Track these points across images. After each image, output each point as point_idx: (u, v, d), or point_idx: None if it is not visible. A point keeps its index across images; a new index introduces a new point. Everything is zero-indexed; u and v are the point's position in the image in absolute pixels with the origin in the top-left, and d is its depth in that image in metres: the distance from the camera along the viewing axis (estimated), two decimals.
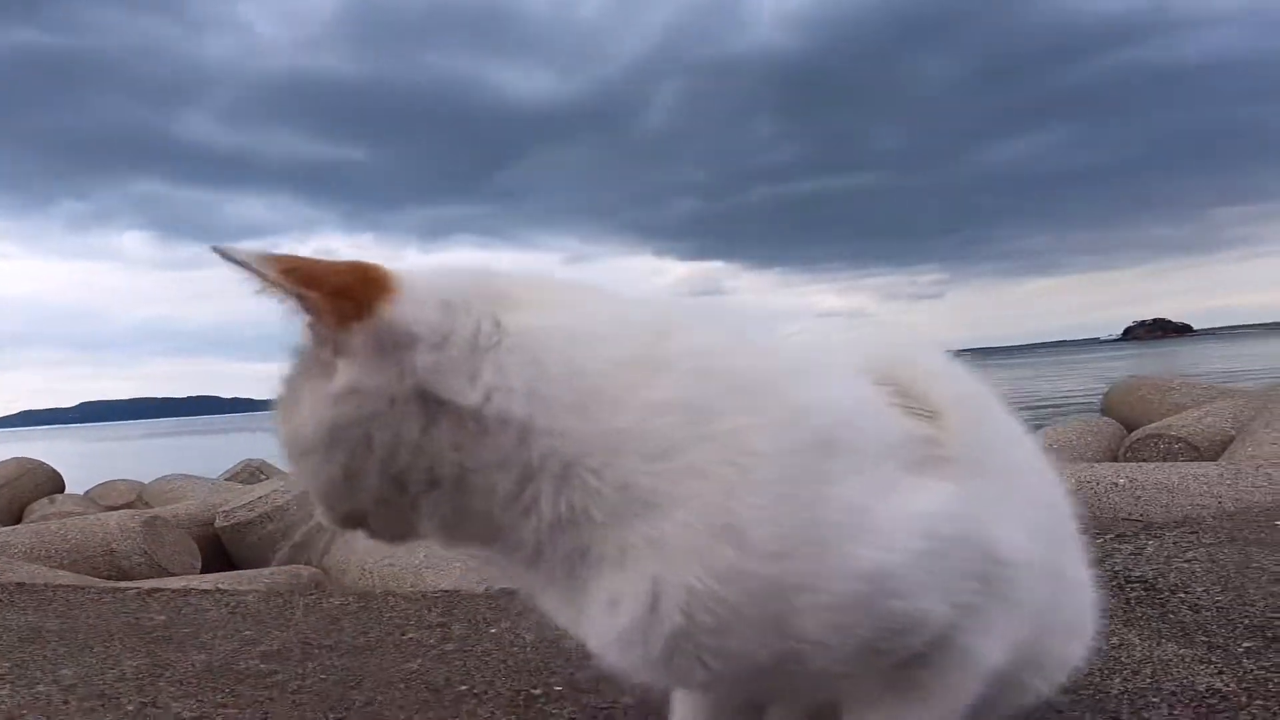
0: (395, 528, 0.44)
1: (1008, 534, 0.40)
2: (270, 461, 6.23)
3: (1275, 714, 0.54)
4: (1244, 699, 0.56)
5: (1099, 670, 0.58)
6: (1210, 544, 1.06)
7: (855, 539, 0.36)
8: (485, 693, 0.75)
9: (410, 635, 0.97)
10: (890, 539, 0.36)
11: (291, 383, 0.41)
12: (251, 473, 5.97)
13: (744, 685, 0.42)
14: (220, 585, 2.26)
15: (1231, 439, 3.28)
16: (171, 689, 0.80)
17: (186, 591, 1.31)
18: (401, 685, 0.79)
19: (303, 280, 0.37)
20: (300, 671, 0.85)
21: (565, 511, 0.38)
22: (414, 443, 0.38)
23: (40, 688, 0.82)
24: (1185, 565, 0.96)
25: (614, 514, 0.37)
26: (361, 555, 3.19)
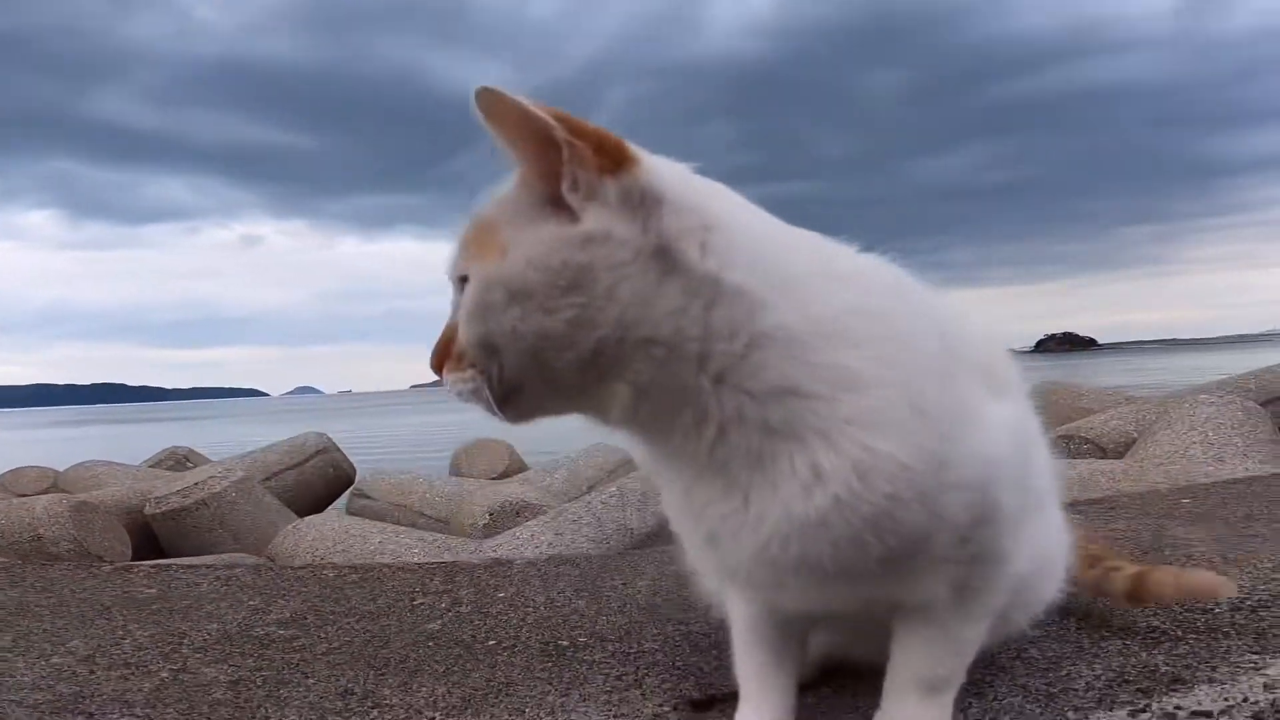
0: (553, 399, 0.45)
1: (1038, 458, 0.50)
2: (197, 450, 5.94)
3: (1208, 642, 0.67)
4: (1178, 633, 0.69)
5: (1059, 608, 0.69)
6: (1128, 518, 1.21)
7: (978, 431, 0.44)
8: (514, 646, 0.80)
9: (420, 601, 1.01)
10: (995, 435, 0.45)
11: (495, 226, 0.44)
12: (178, 460, 5.70)
13: (860, 582, 0.47)
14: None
15: (1134, 440, 3.62)
16: (197, 656, 0.81)
17: (166, 567, 1.29)
18: (430, 643, 0.83)
19: (572, 129, 0.41)
20: (323, 635, 0.88)
21: (779, 382, 0.42)
22: (646, 299, 0.41)
23: (55, 659, 0.81)
24: (1110, 533, 1.11)
25: (827, 388, 0.42)
26: (312, 543, 3.13)
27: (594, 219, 0.42)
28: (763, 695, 0.54)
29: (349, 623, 0.93)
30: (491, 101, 0.42)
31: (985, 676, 0.61)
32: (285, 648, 0.84)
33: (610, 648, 0.78)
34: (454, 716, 0.64)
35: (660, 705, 0.63)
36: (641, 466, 0.56)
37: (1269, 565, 0.86)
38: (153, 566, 1.30)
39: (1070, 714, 0.56)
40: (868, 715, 0.56)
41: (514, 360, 0.43)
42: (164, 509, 3.76)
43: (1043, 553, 0.58)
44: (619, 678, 0.70)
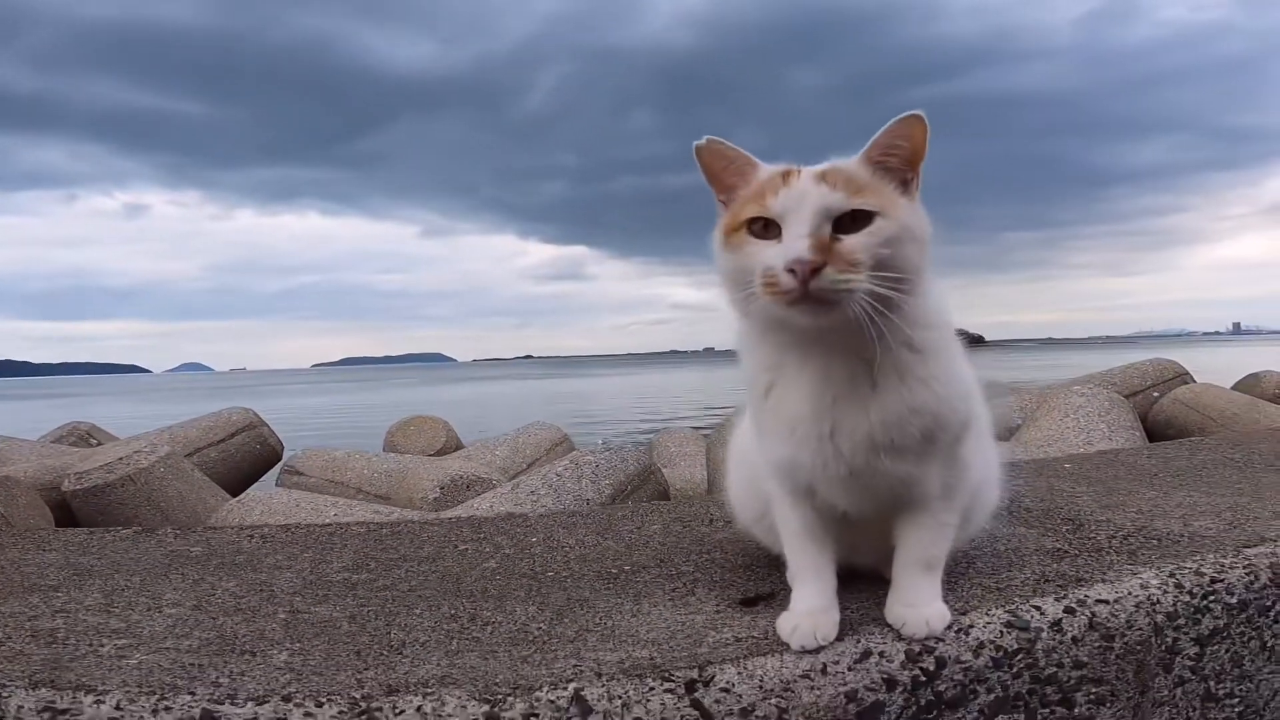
0: (867, 308, 0.63)
1: (980, 401, 0.77)
2: (100, 425, 5.59)
3: (1099, 559, 0.93)
4: (1074, 552, 0.95)
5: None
6: (1025, 478, 1.51)
7: (968, 381, 0.76)
8: (572, 576, 0.98)
9: (464, 548, 1.15)
10: (971, 383, 0.76)
11: (878, 188, 0.66)
12: (81, 436, 5.35)
13: (906, 459, 0.70)
14: None
15: (1019, 427, 4.14)
16: (298, 599, 0.92)
17: (191, 528, 1.36)
18: (498, 578, 0.99)
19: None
20: (399, 577, 1.01)
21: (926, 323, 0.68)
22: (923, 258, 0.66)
23: (168, 610, 0.88)
24: (1012, 488, 1.40)
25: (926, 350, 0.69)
26: (260, 518, 3.12)
27: (916, 196, 0.67)
28: (816, 579, 0.74)
29: (413, 566, 1.06)
30: (909, 127, 0.66)
31: (951, 580, 0.85)
32: (371, 588, 0.97)
33: (654, 571, 0.97)
34: (555, 625, 0.81)
35: (717, 606, 0.83)
36: (758, 379, 0.74)
37: (1134, 511, 1.16)
38: (177, 529, 1.36)
39: (1017, 599, 0.79)
40: (876, 595, 0.78)
41: (895, 279, 0.63)
42: (86, 485, 3.59)
43: (986, 467, 0.84)
44: (674, 590, 0.89)
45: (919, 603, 0.73)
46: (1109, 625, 0.80)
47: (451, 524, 1.30)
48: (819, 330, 0.65)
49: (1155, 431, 4.18)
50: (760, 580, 0.91)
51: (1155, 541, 0.99)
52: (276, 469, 4.82)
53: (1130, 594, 0.83)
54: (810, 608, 0.72)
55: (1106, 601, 0.81)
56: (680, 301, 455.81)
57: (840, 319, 0.63)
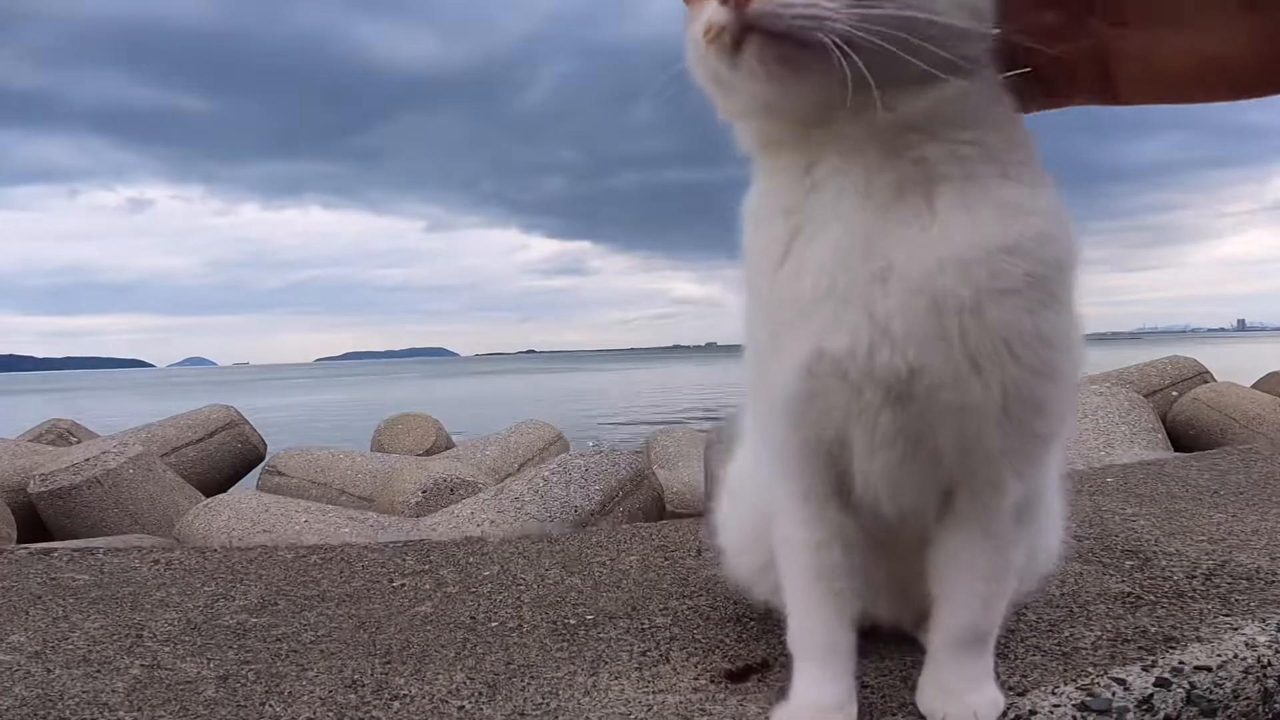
0: (882, 65, 0.40)
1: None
2: (81, 423, 5.43)
3: (1183, 606, 0.73)
4: (1151, 598, 0.75)
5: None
6: (1069, 494, 1.32)
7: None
8: (521, 626, 0.78)
9: (400, 582, 0.96)
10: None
11: None
12: (60, 434, 5.19)
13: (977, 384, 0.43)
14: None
15: None
16: (166, 649, 0.74)
17: (89, 550, 1.17)
18: (428, 627, 0.79)
19: None
20: (304, 623, 0.82)
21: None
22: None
23: (1, 656, 0.73)
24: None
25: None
26: (227, 523, 2.94)
27: None
28: (829, 658, 0.51)
29: (328, 608, 0.87)
30: None
31: (1002, 638, 0.65)
32: (265, 637, 0.78)
33: (622, 624, 0.77)
34: (483, 703, 0.61)
35: (696, 678, 0.63)
36: (772, 233, 0.47)
37: (1203, 539, 0.96)
38: (75, 549, 1.18)
39: (1090, 670, 0.60)
40: (903, 661, 0.58)
41: (901, 14, 0.39)
42: (50, 487, 3.42)
43: (1050, 517, 0.62)
44: (643, 654, 0.69)
45: (963, 688, 0.52)
46: (1211, 698, 0.60)
47: (396, 549, 1.10)
48: (817, 114, 0.43)
49: (1175, 432, 3.98)
50: (753, 640, 0.71)
51: (1245, 582, 0.79)
52: (259, 469, 4.65)
53: (1237, 656, 0.63)
54: (818, 702, 0.51)
55: (1208, 668, 0.62)
56: (683, 296, 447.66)
57: (821, 78, 0.40)
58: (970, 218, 0.42)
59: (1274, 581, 0.78)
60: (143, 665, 0.70)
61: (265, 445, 4.81)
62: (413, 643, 0.75)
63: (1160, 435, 3.65)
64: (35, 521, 3.57)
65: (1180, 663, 0.61)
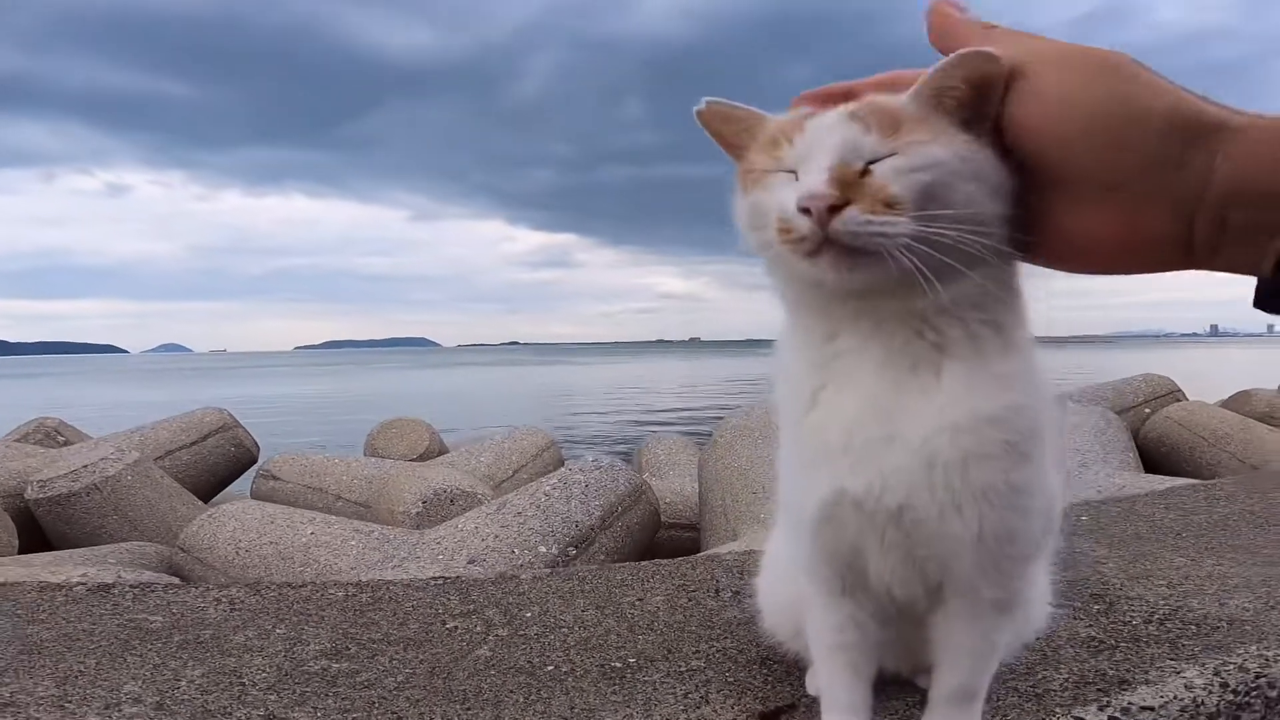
0: (921, 262, 0.49)
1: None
2: (69, 422, 5.41)
3: (1137, 650, 0.86)
4: (1112, 641, 0.89)
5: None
6: None
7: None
8: (574, 671, 0.89)
9: (451, 624, 1.06)
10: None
11: (923, 120, 0.51)
12: (47, 434, 5.18)
13: (964, 517, 0.54)
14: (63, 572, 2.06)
15: None
16: (272, 698, 0.83)
17: (149, 587, 1.26)
18: (492, 672, 0.90)
19: None
20: (381, 668, 0.92)
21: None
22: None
23: (127, 708, 0.79)
24: None
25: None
26: (233, 533, 3.01)
27: (988, 144, 0.51)
28: (848, 711, 0.64)
29: (396, 652, 0.97)
30: (979, 63, 0.50)
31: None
32: (352, 683, 0.88)
33: (662, 668, 0.88)
34: None
35: (735, 716, 0.75)
36: (803, 383, 0.58)
37: (1162, 583, 1.10)
38: (134, 586, 1.26)
39: (1057, 710, 0.73)
40: (909, 710, 0.70)
41: (953, 219, 0.48)
42: (49, 494, 3.46)
43: (1036, 588, 0.73)
44: (686, 696, 0.81)
45: None
46: None
47: (438, 589, 1.20)
48: (862, 294, 0.52)
49: (1147, 449, 4.19)
50: (779, 681, 0.83)
51: (1194, 627, 0.93)
52: (252, 472, 4.69)
53: (1176, 697, 0.76)
54: None
55: (1151, 708, 0.75)
56: (668, 291, 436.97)
57: (881, 275, 0.49)
58: (968, 392, 0.53)
59: (1217, 628, 0.92)
60: (261, 716, 0.79)
61: (258, 448, 4.85)
62: (484, 689, 0.86)
63: (1132, 454, 3.85)
64: (33, 528, 3.59)
65: (1129, 703, 0.74)
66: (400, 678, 0.89)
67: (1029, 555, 0.60)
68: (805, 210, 0.49)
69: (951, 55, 0.50)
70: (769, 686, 0.82)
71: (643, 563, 1.34)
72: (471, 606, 1.13)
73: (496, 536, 2.72)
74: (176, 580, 2.49)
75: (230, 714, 0.79)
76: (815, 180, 0.49)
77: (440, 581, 1.24)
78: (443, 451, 5.09)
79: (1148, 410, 4.43)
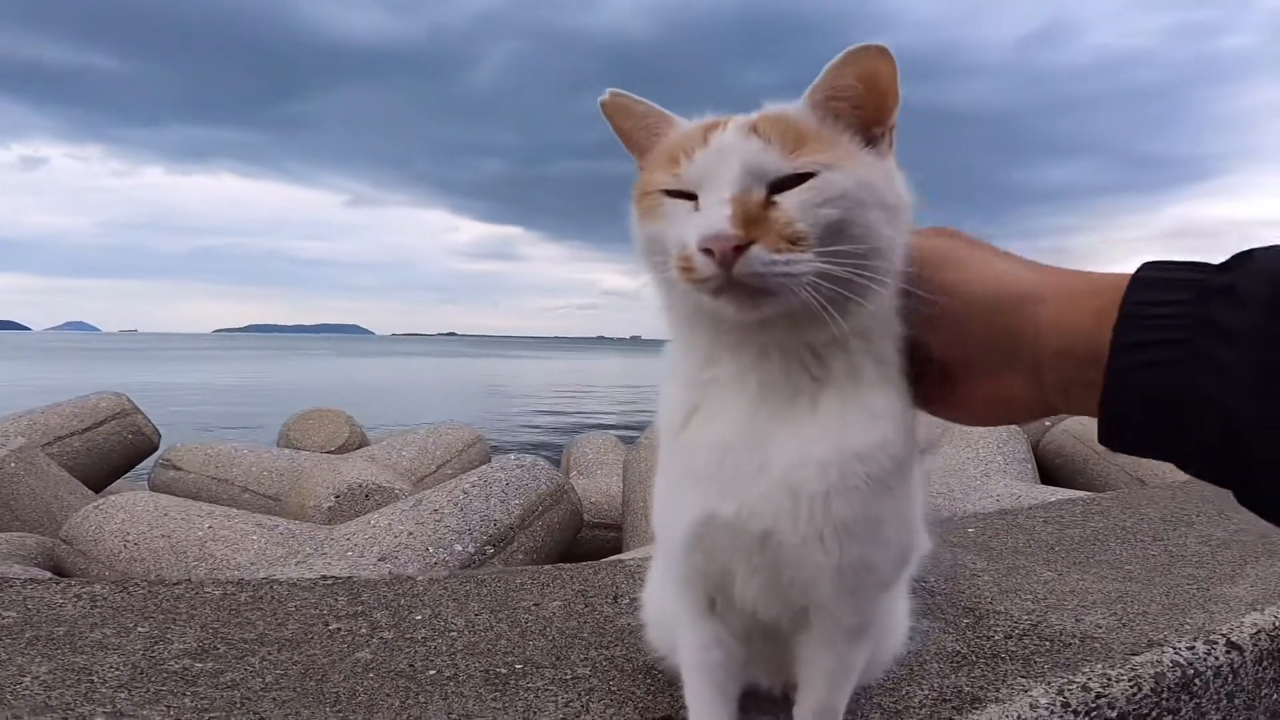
0: (824, 297, 0.49)
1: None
2: None
3: (994, 667, 0.92)
4: (973, 657, 0.93)
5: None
6: (932, 544, 1.52)
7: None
8: (457, 675, 0.87)
9: (334, 626, 1.03)
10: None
11: (834, 140, 0.50)
12: None
13: (825, 550, 0.55)
14: None
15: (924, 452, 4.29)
16: (123, 696, 0.78)
17: (7, 580, 1.16)
18: (370, 675, 0.87)
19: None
20: (250, 669, 0.88)
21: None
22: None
23: None
24: (921, 560, 1.40)
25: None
26: (121, 525, 2.84)
27: (891, 160, 0.52)
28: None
29: (269, 653, 0.93)
30: (874, 61, 0.49)
31: (854, 698, 0.80)
32: (215, 684, 0.84)
33: (548, 674, 0.88)
34: None
35: None
36: (678, 402, 0.58)
37: (1029, 598, 1.17)
38: None
39: None
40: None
41: (854, 253, 0.48)
42: None
43: (893, 614, 0.75)
44: (567, 704, 0.81)
45: None
46: None
47: (326, 589, 1.16)
48: (757, 324, 0.51)
49: (1044, 460, 4.45)
50: (661, 692, 0.84)
51: (1048, 643, 0.98)
52: (152, 461, 4.42)
53: (1020, 717, 0.81)
54: None
55: None
56: (611, 288, 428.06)
57: (784, 309, 0.49)
58: (840, 426, 0.53)
59: (1069, 644, 0.98)
60: (105, 713, 0.75)
61: (159, 436, 4.57)
62: (359, 691, 0.83)
63: (1030, 465, 4.09)
64: None
65: None
66: (269, 679, 0.85)
67: (885, 584, 0.61)
68: (707, 250, 0.47)
69: (841, 52, 0.49)
70: (650, 697, 0.83)
71: (545, 567, 1.33)
72: (359, 608, 1.09)
73: (411, 534, 2.65)
74: (46, 575, 2.32)
75: (72, 709, 0.75)
76: (717, 217, 0.47)
77: (329, 582, 1.20)
78: (364, 444, 4.92)
79: (1047, 423, 4.71)
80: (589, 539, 3.49)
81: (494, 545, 2.74)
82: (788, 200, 0.48)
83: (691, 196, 0.50)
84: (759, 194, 0.48)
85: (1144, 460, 4.07)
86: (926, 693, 0.84)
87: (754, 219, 0.47)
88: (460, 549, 2.67)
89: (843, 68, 0.50)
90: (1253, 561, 1.35)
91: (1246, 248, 0.44)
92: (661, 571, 0.71)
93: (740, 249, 0.46)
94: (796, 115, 0.51)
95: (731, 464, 0.55)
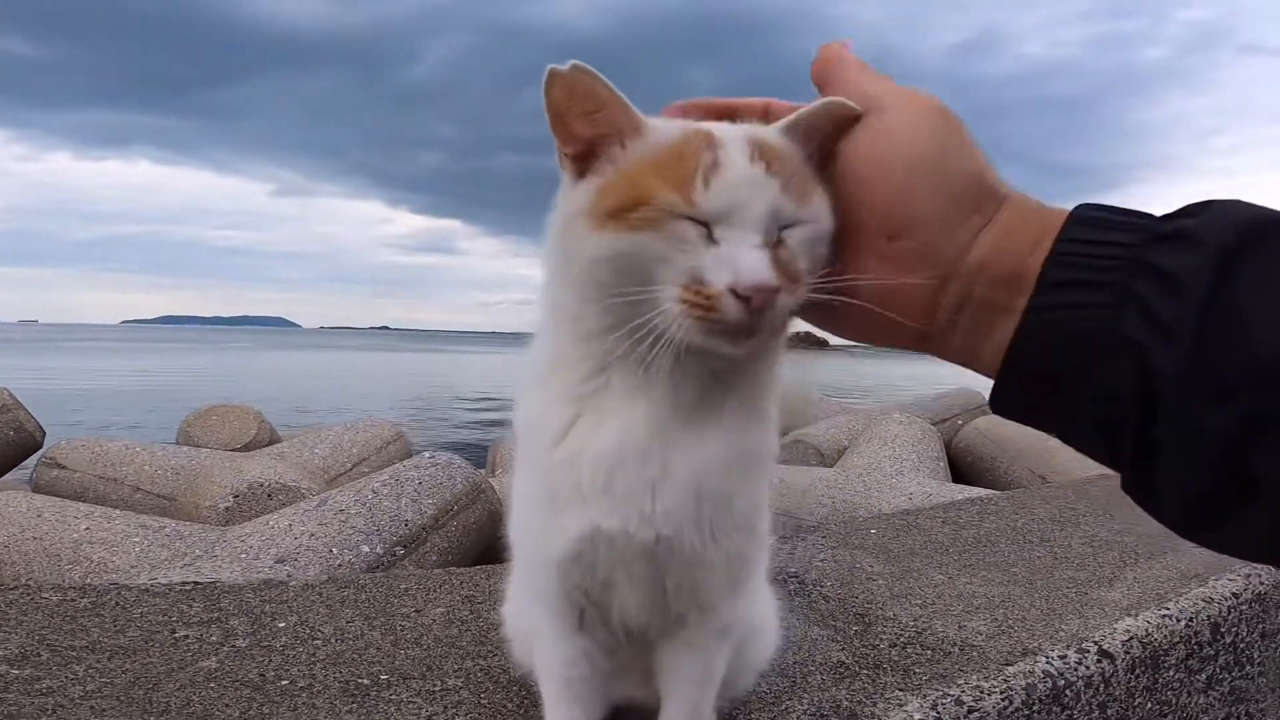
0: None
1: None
2: None
3: (875, 678, 0.91)
4: (856, 668, 0.92)
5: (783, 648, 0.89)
6: (831, 547, 1.53)
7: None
8: (312, 686, 0.80)
9: (183, 633, 0.94)
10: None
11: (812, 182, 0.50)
12: None
13: (693, 548, 0.56)
14: None
15: (845, 448, 4.40)
16: None
17: None
18: (211, 685, 0.79)
19: None
20: (71, 676, 0.79)
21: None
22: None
23: None
24: (820, 564, 1.40)
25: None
26: None
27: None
28: None
29: (98, 660, 0.84)
30: (845, 108, 0.49)
31: (731, 714, 0.78)
32: (28, 690, 0.74)
33: (414, 685, 0.82)
34: None
35: None
36: (550, 414, 0.56)
37: (918, 603, 1.18)
38: None
39: None
40: None
41: (812, 285, 0.49)
42: None
43: (761, 616, 0.75)
44: (429, 718, 0.75)
45: None
46: None
47: (180, 595, 1.06)
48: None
49: (956, 458, 4.63)
50: (535, 705, 0.79)
51: (930, 652, 0.98)
52: (34, 459, 4.07)
53: None
54: None
55: None
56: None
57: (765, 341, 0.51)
58: (740, 427, 0.54)
59: (950, 654, 0.98)
60: None
61: (43, 433, 4.22)
62: (193, 701, 0.75)
63: (942, 463, 4.24)
64: None
65: None
66: (91, 687, 0.76)
67: (755, 573, 0.63)
68: (744, 298, 0.45)
69: (824, 100, 0.49)
70: (522, 711, 0.79)
71: (435, 571, 1.27)
72: (215, 614, 1.00)
73: (313, 535, 2.50)
74: None
75: None
76: (760, 265, 0.45)
77: (187, 586, 1.10)
78: (274, 441, 4.66)
79: (960, 422, 4.91)
80: (508, 541, 3.40)
81: (404, 546, 2.63)
82: (794, 238, 0.48)
83: (701, 223, 0.47)
84: (774, 235, 0.48)
85: (1050, 459, 4.28)
86: (806, 707, 0.82)
87: (781, 266, 0.47)
88: (368, 550, 2.54)
89: (824, 112, 0.50)
90: (1132, 564, 1.41)
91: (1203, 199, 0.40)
92: (523, 589, 0.68)
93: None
94: (789, 151, 0.50)
95: (623, 477, 0.53)
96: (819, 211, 0.49)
